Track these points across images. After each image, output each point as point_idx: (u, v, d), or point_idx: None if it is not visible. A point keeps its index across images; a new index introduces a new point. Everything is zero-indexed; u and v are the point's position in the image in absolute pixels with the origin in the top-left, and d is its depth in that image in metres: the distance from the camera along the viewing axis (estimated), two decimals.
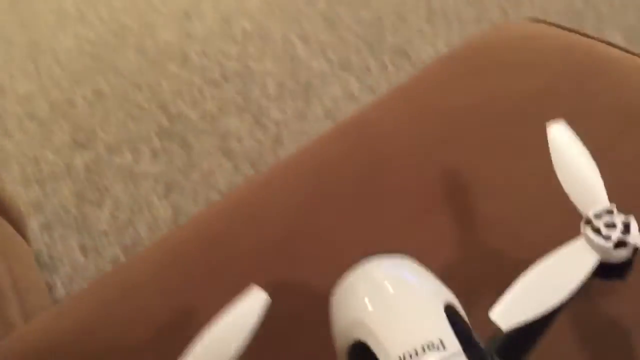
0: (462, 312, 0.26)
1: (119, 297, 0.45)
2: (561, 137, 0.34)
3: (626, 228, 0.30)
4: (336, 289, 0.28)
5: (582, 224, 0.31)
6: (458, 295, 0.27)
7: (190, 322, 0.37)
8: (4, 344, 0.46)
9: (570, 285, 0.28)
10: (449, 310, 0.25)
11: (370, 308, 0.25)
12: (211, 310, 0.30)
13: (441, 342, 0.23)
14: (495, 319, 0.27)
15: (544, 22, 0.56)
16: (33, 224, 1.04)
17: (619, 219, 0.31)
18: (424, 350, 0.23)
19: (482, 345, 0.25)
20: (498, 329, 0.28)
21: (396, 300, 0.25)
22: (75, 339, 0.43)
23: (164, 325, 0.40)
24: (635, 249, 0.31)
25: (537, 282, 0.29)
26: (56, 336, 0.44)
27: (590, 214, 0.31)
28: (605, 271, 0.31)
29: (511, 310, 0.28)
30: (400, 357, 0.23)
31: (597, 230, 0.30)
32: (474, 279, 0.33)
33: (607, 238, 0.30)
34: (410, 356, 0.23)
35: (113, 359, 0.39)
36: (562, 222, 0.33)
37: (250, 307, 0.29)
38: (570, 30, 0.53)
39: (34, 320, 0.53)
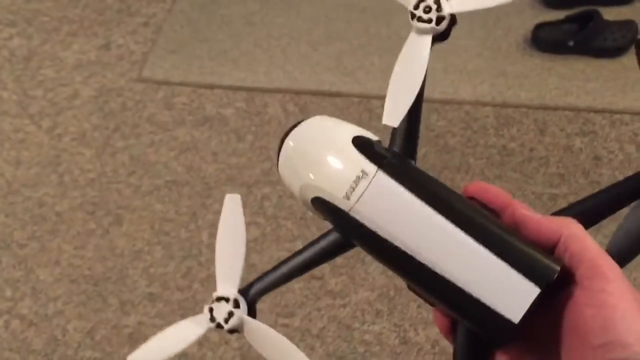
0: (366, 134, 0.35)
1: None
2: None
3: (437, 4, 0.37)
4: (279, 160, 0.36)
5: (410, 20, 0.37)
6: None
7: None
8: None
9: (423, 67, 0.36)
10: (357, 141, 0.34)
11: (307, 173, 0.34)
12: None
13: (362, 171, 0.32)
14: (386, 122, 0.36)
15: None
16: None
17: (430, 1, 0.37)
18: (356, 183, 0.32)
19: (386, 152, 0.34)
20: (393, 130, 0.36)
21: (323, 156, 0.34)
22: None
23: None
24: (452, 16, 0.37)
25: (399, 80, 0.37)
26: None
27: (410, 8, 0.37)
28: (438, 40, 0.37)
29: (392, 110, 0.36)
30: (344, 196, 0.32)
31: (420, 19, 0.37)
32: None
33: (429, 21, 0.37)
34: (350, 191, 0.32)
35: None
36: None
37: (234, 210, 0.40)
38: None
39: None
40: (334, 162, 0.33)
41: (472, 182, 0.33)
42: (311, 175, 0.34)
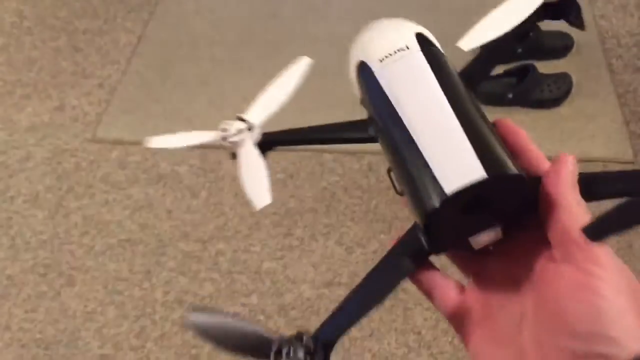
0: (434, 41, 0.37)
1: None
2: None
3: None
4: (352, 47, 0.38)
5: None
6: None
7: None
8: None
9: (519, 18, 0.37)
10: (419, 35, 0.36)
11: (367, 39, 0.37)
12: None
13: (406, 46, 0.35)
14: (460, 44, 0.37)
15: None
16: None
17: None
18: (395, 52, 0.35)
19: (438, 49, 0.36)
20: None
21: (383, 30, 0.37)
22: None
23: None
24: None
25: (494, 19, 0.38)
26: None
27: None
28: (551, 13, 0.38)
29: (472, 38, 0.37)
30: (380, 59, 0.35)
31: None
32: None
33: None
34: (387, 56, 0.35)
35: None
36: None
37: (298, 70, 0.44)
38: None
39: None
40: (390, 36, 0.36)
41: (505, 121, 0.34)
42: (369, 42, 0.37)
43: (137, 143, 1.35)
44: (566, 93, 1.35)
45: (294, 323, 1.08)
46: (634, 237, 1.14)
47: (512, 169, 0.29)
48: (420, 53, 0.35)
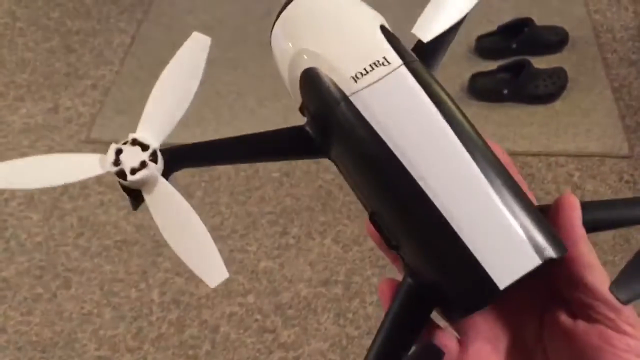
0: (391, 32, 0.30)
1: None
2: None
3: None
4: (274, 28, 0.30)
5: None
6: None
7: None
8: None
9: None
10: (385, 32, 0.28)
11: (316, 36, 0.28)
12: None
13: (385, 59, 0.27)
14: (417, 33, 0.30)
15: None
16: None
17: None
18: (372, 67, 0.27)
19: (413, 54, 0.29)
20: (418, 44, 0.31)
21: (339, 28, 0.28)
22: None
23: None
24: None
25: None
26: None
27: None
28: None
29: (428, 25, 0.30)
30: (353, 76, 0.27)
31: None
32: None
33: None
34: (361, 74, 0.27)
35: None
36: None
37: (196, 51, 0.31)
38: None
39: None
40: (354, 37, 0.28)
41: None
42: (319, 42, 0.28)
43: None
44: (561, 88, 1.35)
45: (290, 322, 1.08)
46: (630, 232, 1.14)
47: (562, 247, 0.26)
48: (405, 70, 0.27)
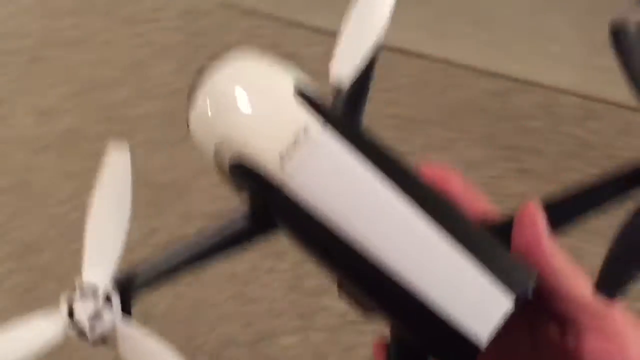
0: (311, 85, 0.28)
1: None
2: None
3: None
4: (190, 118, 0.28)
5: None
6: None
7: None
8: None
9: (385, 16, 0.30)
10: (300, 92, 0.26)
11: (231, 124, 0.26)
12: None
13: (305, 129, 0.25)
14: (335, 80, 0.28)
15: None
16: None
17: None
18: (294, 145, 0.25)
19: (335, 110, 0.28)
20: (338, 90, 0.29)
21: (254, 107, 0.26)
22: None
23: None
24: None
25: (355, 28, 0.30)
26: None
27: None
28: None
29: (345, 61, 0.29)
30: (278, 163, 0.25)
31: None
32: None
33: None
34: (287, 157, 0.25)
35: None
36: None
37: (119, 165, 0.29)
38: None
39: None
40: (268, 117, 0.26)
41: (430, 163, 0.27)
42: (235, 131, 0.26)
43: (270, 17, 1.34)
44: None
45: None
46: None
47: (530, 275, 0.25)
48: (329, 135, 0.25)
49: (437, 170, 0.27)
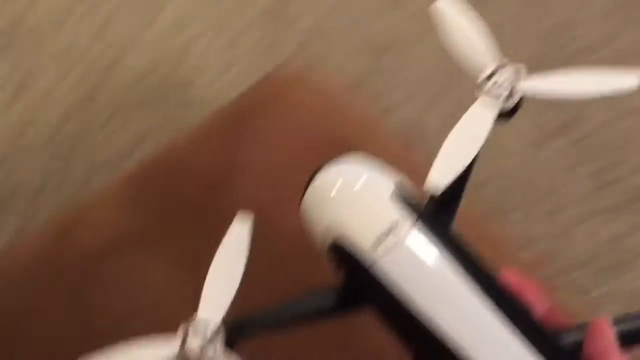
0: (408, 187, 0.33)
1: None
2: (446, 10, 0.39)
3: (513, 80, 0.35)
4: (303, 204, 0.34)
5: (475, 90, 0.36)
6: None
7: None
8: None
9: (480, 139, 0.34)
10: (398, 193, 0.32)
11: (335, 214, 0.32)
12: None
13: (397, 222, 0.30)
14: (430, 187, 0.33)
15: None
16: None
17: (506, 73, 0.36)
18: (385, 235, 0.30)
19: (427, 210, 0.32)
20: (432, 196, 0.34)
21: (354, 201, 0.32)
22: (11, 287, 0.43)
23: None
24: (522, 96, 0.35)
25: (454, 146, 0.34)
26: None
27: (480, 78, 0.36)
28: (501, 117, 0.36)
29: (440, 175, 0.33)
30: (370, 247, 0.30)
31: (489, 91, 0.35)
32: None
33: (498, 96, 0.35)
34: (377, 243, 0.30)
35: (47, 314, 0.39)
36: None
37: (240, 232, 0.35)
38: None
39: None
40: (369, 209, 0.31)
41: (510, 270, 0.31)
42: (338, 219, 0.32)
43: None
44: None
45: None
46: None
47: None
48: (416, 231, 0.30)
49: (515, 276, 0.31)
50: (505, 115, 0.35)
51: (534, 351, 0.27)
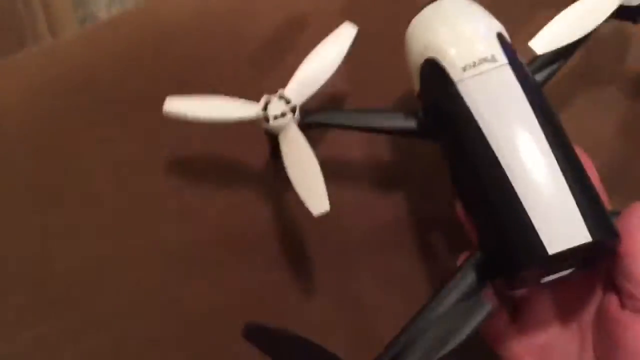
0: (509, 41, 0.35)
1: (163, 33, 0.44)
2: None
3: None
4: (412, 23, 0.36)
5: None
6: None
7: None
8: (34, 51, 0.47)
9: (596, 22, 0.36)
10: (500, 37, 0.34)
11: (440, 32, 0.34)
12: None
13: (493, 56, 0.32)
14: (532, 45, 0.35)
15: None
16: None
17: None
18: (480, 62, 0.32)
19: (523, 61, 0.34)
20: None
21: (461, 27, 0.34)
22: (106, 71, 0.43)
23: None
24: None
25: (569, 20, 0.36)
26: (86, 61, 0.44)
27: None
28: (623, 14, 0.37)
29: (545, 40, 0.35)
30: (462, 67, 0.32)
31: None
32: None
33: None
34: (470, 66, 0.32)
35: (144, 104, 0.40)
36: None
37: (340, 38, 0.38)
38: None
39: (63, 38, 0.54)
40: (473, 37, 0.33)
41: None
42: (444, 38, 0.34)
43: None
44: None
45: None
46: None
47: (615, 232, 0.29)
48: (509, 68, 0.32)
49: (581, 150, 0.32)
50: (626, 12, 0.37)
51: (574, 184, 0.29)
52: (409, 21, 0.36)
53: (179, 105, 0.37)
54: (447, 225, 0.38)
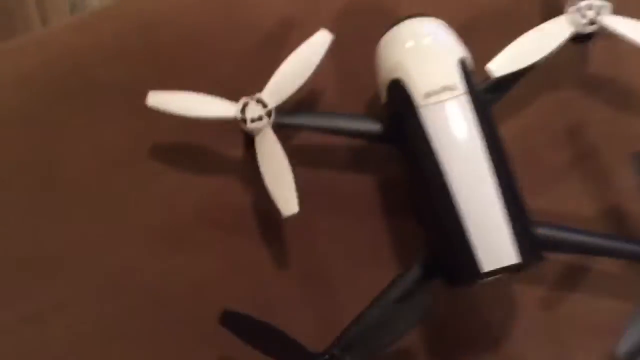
0: (470, 64, 0.38)
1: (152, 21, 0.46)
2: None
3: (600, 9, 0.40)
4: (382, 40, 0.39)
5: (566, 8, 0.40)
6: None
7: None
8: (22, 40, 0.48)
9: (550, 47, 0.39)
10: (462, 64, 0.37)
11: (408, 56, 0.37)
12: None
13: (454, 84, 0.36)
14: (489, 68, 0.38)
15: None
16: None
17: (597, 2, 0.40)
18: (442, 89, 0.35)
19: (480, 86, 0.37)
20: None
21: (426, 53, 0.37)
22: (94, 58, 0.44)
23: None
24: (600, 27, 0.40)
25: (525, 45, 0.39)
26: (75, 49, 0.45)
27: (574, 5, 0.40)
28: (577, 39, 0.40)
29: (501, 63, 0.38)
30: (425, 93, 0.35)
31: (579, 9, 0.40)
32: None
33: (584, 16, 0.40)
34: (433, 92, 0.35)
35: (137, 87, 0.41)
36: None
37: (316, 44, 0.40)
38: None
39: (53, 26, 0.54)
40: (436, 64, 0.37)
41: None
42: (410, 62, 0.37)
43: None
44: None
45: None
46: None
47: (539, 254, 0.35)
48: (467, 98, 0.36)
49: None
50: (579, 39, 0.40)
51: (514, 234, 0.33)
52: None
53: (161, 101, 0.39)
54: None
